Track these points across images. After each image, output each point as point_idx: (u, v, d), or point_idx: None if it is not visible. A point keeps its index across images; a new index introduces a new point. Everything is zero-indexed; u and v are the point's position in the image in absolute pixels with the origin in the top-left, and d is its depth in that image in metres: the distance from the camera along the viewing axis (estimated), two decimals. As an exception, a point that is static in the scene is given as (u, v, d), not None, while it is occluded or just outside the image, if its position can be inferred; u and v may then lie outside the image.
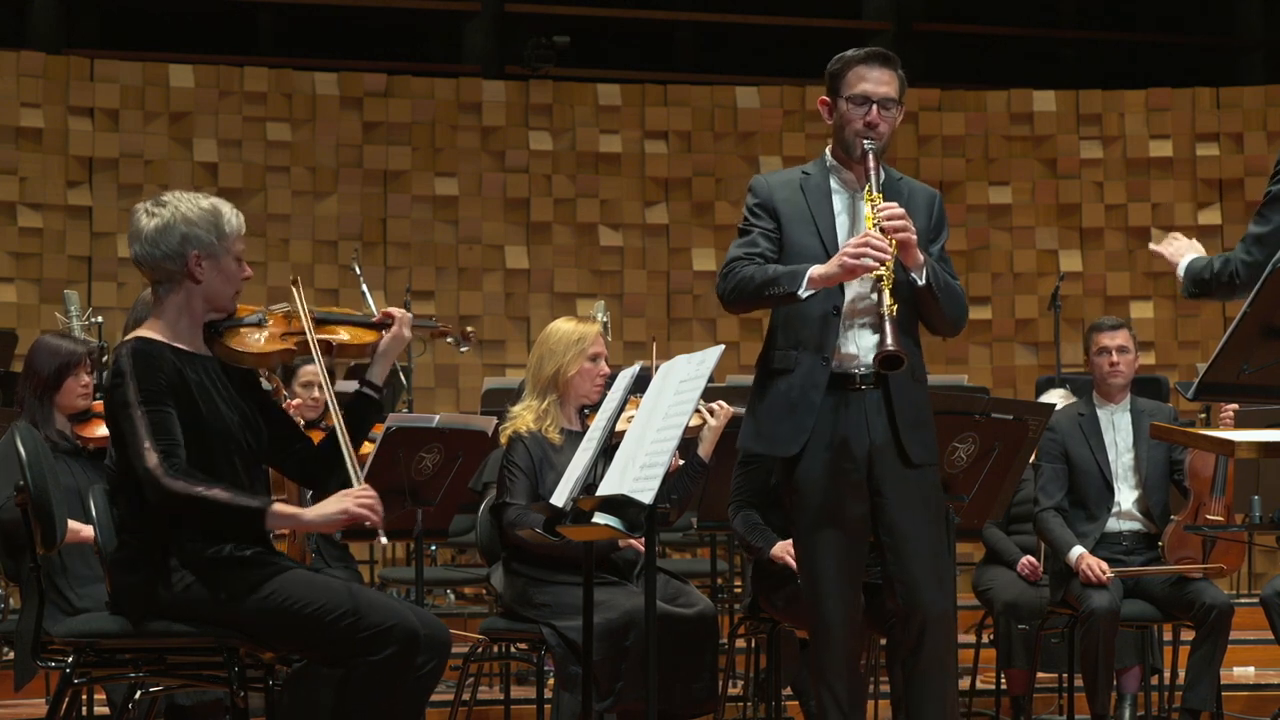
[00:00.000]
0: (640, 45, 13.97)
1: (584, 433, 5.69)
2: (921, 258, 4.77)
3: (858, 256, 4.67)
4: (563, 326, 5.89)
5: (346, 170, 12.27)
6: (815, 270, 4.74)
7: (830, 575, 4.85)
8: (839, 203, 4.93)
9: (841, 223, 4.89)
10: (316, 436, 4.56)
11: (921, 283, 4.77)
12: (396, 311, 4.56)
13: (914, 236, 4.72)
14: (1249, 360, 3.84)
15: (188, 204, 4.34)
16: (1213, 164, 12.78)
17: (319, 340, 4.42)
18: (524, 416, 5.82)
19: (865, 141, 4.82)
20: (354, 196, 12.23)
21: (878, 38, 13.35)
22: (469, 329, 4.88)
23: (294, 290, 4.42)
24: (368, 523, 4.21)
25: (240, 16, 13.29)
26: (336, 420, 4.33)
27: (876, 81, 4.87)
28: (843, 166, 4.95)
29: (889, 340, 4.59)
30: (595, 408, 5.76)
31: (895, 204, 4.76)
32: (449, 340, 4.83)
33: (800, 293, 4.74)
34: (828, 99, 4.95)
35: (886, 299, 4.64)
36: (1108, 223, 12.86)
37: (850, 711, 4.90)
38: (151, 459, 4.15)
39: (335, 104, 12.27)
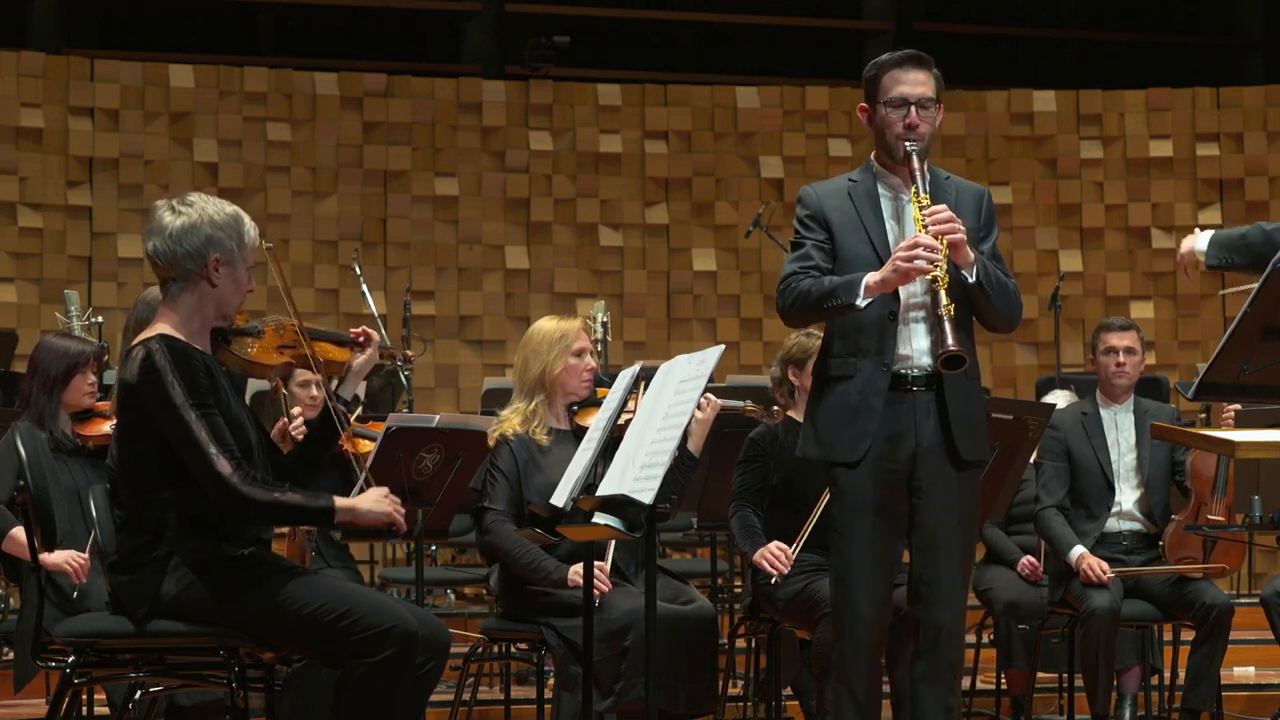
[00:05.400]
0: (640, 45, 13.96)
1: (573, 431, 5.71)
2: (972, 256, 4.82)
3: (910, 259, 4.73)
4: (544, 326, 5.90)
5: (346, 170, 12.26)
6: (870, 278, 4.79)
7: (864, 571, 4.88)
8: (888, 208, 4.97)
9: (891, 228, 4.94)
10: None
11: (972, 280, 4.81)
12: (374, 334, 4.68)
13: (963, 236, 4.77)
14: (1249, 360, 3.84)
15: (214, 207, 4.38)
16: (1213, 164, 12.78)
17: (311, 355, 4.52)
18: (511, 420, 5.82)
19: (907, 144, 4.88)
20: (354, 196, 12.22)
21: (878, 38, 13.35)
22: (409, 351, 5.02)
23: (269, 258, 4.50)
24: (398, 529, 4.42)
25: (240, 16, 13.28)
26: (336, 416, 4.42)
27: (913, 83, 4.92)
28: (888, 171, 4.99)
29: (949, 340, 4.65)
30: (584, 404, 5.79)
31: (943, 205, 4.81)
32: (397, 361, 5.02)
33: (859, 302, 4.80)
34: (866, 106, 5.00)
35: (943, 299, 4.69)
36: (1108, 223, 12.85)
37: (868, 712, 4.91)
38: (224, 466, 4.19)
39: (335, 104, 12.26)
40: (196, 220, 4.33)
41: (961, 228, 4.77)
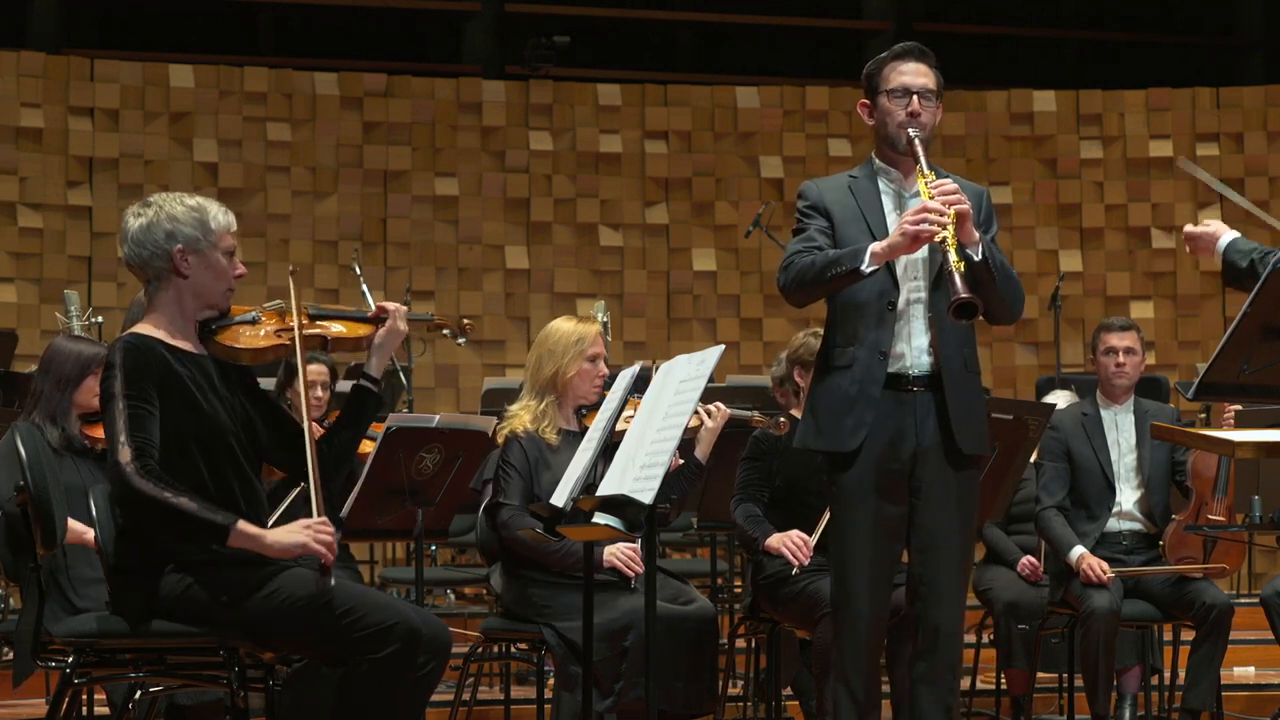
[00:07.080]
0: (640, 45, 13.97)
1: (581, 433, 5.70)
2: (976, 235, 4.79)
3: (917, 223, 4.69)
4: (562, 327, 5.87)
5: (346, 170, 12.27)
6: (877, 245, 4.76)
7: (863, 570, 4.87)
8: (889, 202, 4.96)
9: (892, 220, 4.89)
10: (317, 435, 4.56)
11: (978, 259, 4.77)
12: (390, 305, 4.60)
13: (969, 208, 4.74)
14: (1249, 360, 3.84)
15: (172, 203, 4.37)
16: (1213, 164, 12.76)
17: (314, 335, 4.46)
18: (521, 416, 5.81)
19: (910, 130, 4.86)
20: (354, 196, 12.23)
21: (878, 38, 13.36)
22: (466, 321, 4.90)
23: (290, 281, 4.45)
24: (321, 559, 4.20)
25: (240, 16, 13.29)
26: (309, 452, 4.32)
27: (914, 73, 4.92)
28: (889, 166, 4.98)
29: (959, 289, 4.58)
30: (592, 408, 5.76)
31: (948, 179, 4.79)
32: (445, 333, 4.86)
33: (864, 268, 4.75)
34: (867, 101, 4.99)
35: (952, 257, 4.63)
36: (1108, 223, 12.86)
37: (866, 710, 4.91)
38: (125, 454, 4.14)
39: (335, 104, 12.27)
40: (154, 218, 4.33)
41: (967, 200, 4.75)
